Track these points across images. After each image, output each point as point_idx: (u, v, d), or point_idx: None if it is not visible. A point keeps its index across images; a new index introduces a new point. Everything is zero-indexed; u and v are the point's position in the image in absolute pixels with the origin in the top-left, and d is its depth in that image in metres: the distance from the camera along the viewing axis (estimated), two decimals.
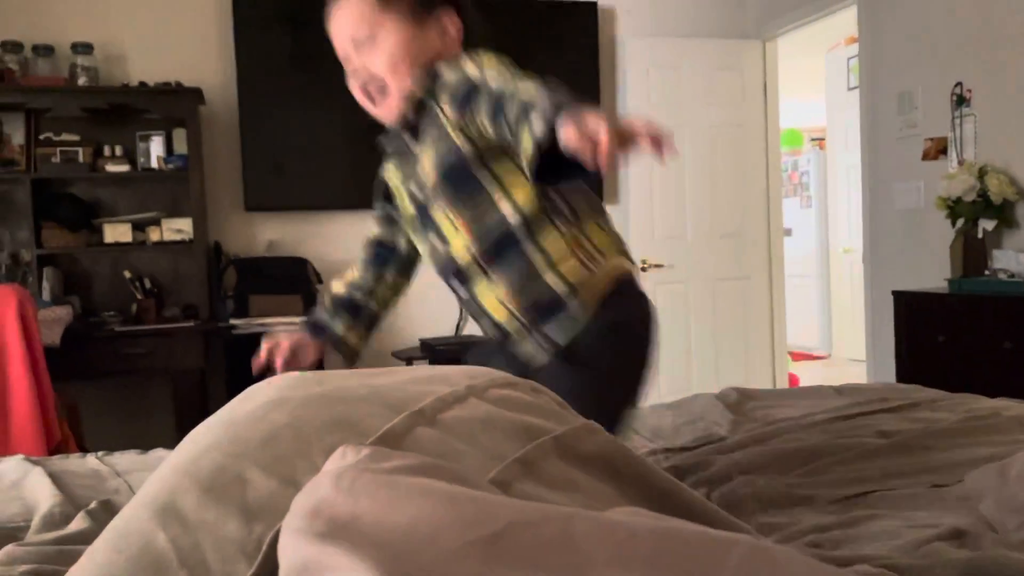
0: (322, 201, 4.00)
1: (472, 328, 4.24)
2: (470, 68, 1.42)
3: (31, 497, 1.26)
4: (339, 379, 0.75)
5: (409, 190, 1.57)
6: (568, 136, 1.17)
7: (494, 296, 1.48)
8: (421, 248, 1.60)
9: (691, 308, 4.45)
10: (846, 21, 4.18)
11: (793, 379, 4.97)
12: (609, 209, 5.09)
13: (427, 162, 1.50)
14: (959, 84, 3.38)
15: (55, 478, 1.35)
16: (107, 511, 1.17)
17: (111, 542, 0.59)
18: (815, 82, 6.50)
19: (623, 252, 1.54)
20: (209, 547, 0.55)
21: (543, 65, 4.65)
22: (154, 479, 0.64)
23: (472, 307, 1.54)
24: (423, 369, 0.81)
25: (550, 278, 1.43)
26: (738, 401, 1.81)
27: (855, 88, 4.91)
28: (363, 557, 0.45)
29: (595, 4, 4.35)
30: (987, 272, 3.12)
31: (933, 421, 1.43)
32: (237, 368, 3.54)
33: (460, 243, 1.48)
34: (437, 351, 3.92)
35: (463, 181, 1.46)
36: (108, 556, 0.57)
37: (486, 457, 0.66)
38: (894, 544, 0.86)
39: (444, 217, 1.49)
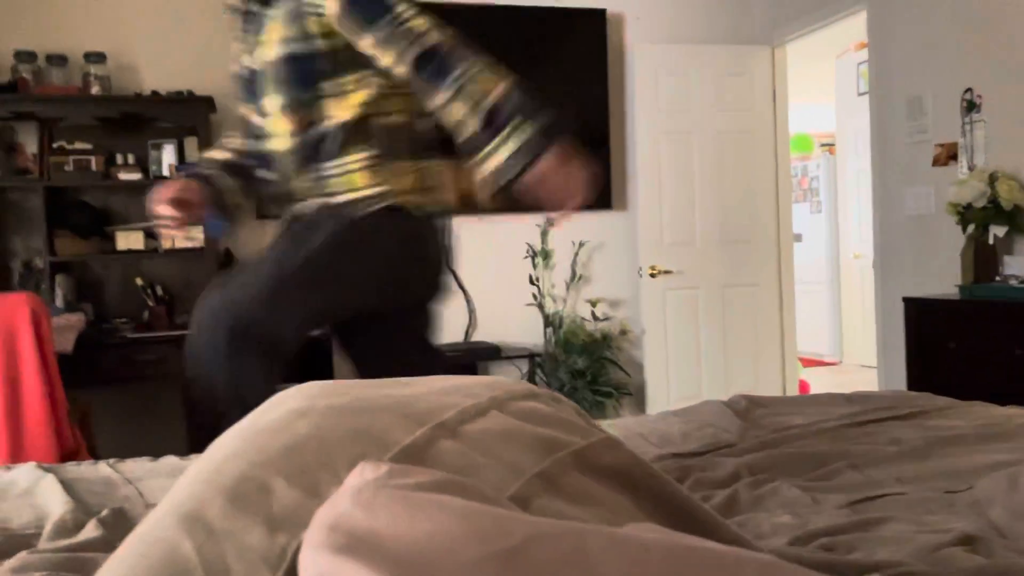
0: None
1: (481, 335, 4.26)
2: None
3: (43, 504, 1.28)
4: (362, 388, 0.76)
5: (244, 60, 1.58)
6: (544, 177, 1.28)
7: (303, 186, 1.58)
8: (247, 116, 1.63)
9: (700, 314, 4.45)
10: (855, 26, 4.17)
11: (803, 385, 4.95)
12: (618, 215, 5.08)
13: (273, 37, 1.50)
14: (969, 90, 3.37)
15: (67, 485, 1.36)
16: (119, 519, 1.18)
17: (135, 549, 0.60)
18: (825, 87, 6.49)
19: (429, 195, 1.60)
20: (233, 556, 0.56)
21: (551, 72, 4.65)
22: (179, 487, 0.65)
23: (279, 191, 1.63)
24: (444, 379, 0.82)
25: (342, 185, 1.52)
26: (747, 408, 1.80)
27: (865, 93, 4.90)
28: (380, 570, 0.46)
29: (603, 11, 4.36)
30: (998, 278, 3.11)
31: (944, 429, 1.43)
32: None
33: (283, 130, 1.53)
34: (447, 356, 3.92)
35: (305, 74, 1.49)
36: (132, 562, 0.58)
37: (507, 471, 0.67)
38: (907, 549, 0.86)
39: (273, 99, 1.52)
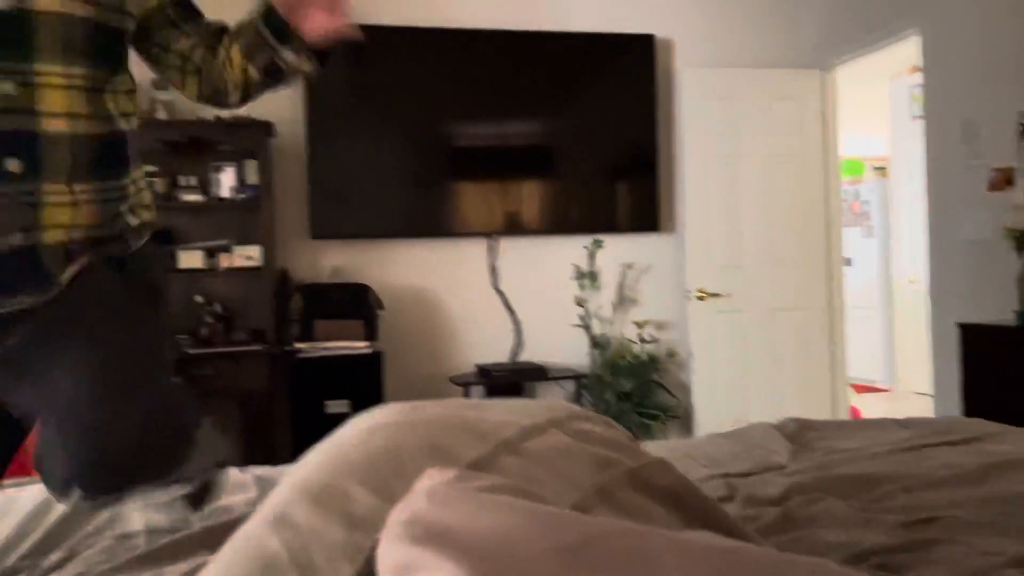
0: (384, 229, 4.12)
1: (527, 355, 4.30)
2: None
3: (124, 512, 1.35)
4: (432, 409, 0.81)
5: None
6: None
7: (67, 202, 1.13)
8: None
9: (749, 338, 4.42)
10: (908, 50, 4.14)
11: (855, 412, 4.87)
12: (665, 238, 5.11)
13: None
14: None
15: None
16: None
17: (232, 546, 0.66)
18: (878, 111, 6.42)
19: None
20: (316, 550, 0.62)
21: (601, 96, 4.70)
22: (272, 495, 0.72)
23: (14, 201, 1.10)
24: (507, 401, 0.88)
25: (126, 208, 1.23)
26: (797, 431, 1.80)
27: (918, 117, 4.84)
28: (454, 559, 0.50)
29: (652, 36, 4.40)
30: None
31: (999, 454, 1.42)
32: (301, 390, 3.64)
33: (61, 109, 1.13)
34: (493, 376, 3.97)
35: (110, 50, 1.20)
36: (229, 556, 0.64)
37: (566, 485, 0.71)
38: (960, 570, 0.87)
39: (57, 66, 1.13)
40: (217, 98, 1.38)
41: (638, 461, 0.79)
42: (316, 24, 1.24)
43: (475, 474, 0.66)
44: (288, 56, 1.29)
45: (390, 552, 0.55)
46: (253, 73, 1.32)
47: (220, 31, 1.35)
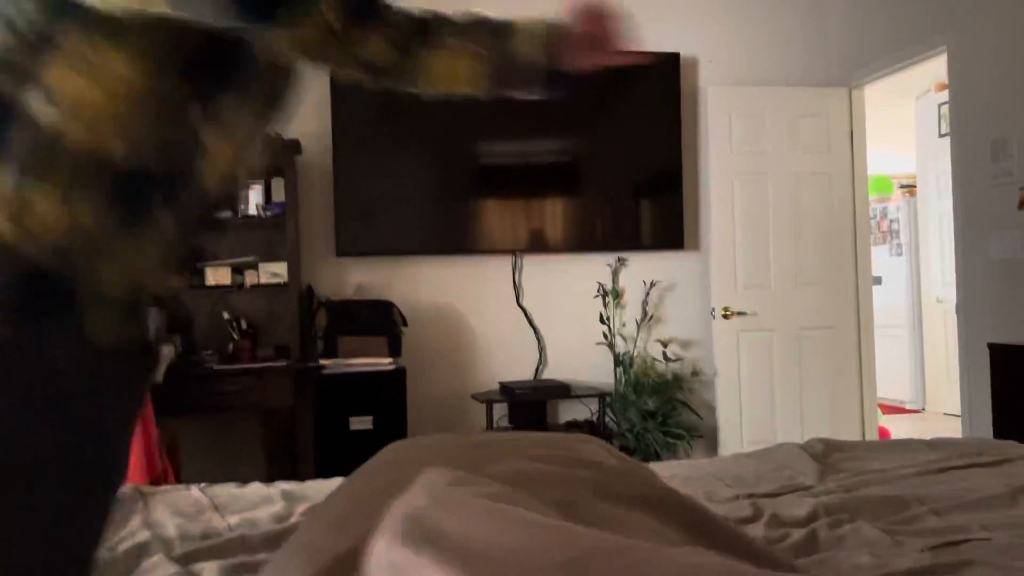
0: (408, 246, 4.15)
1: (551, 373, 4.28)
2: None
3: (156, 522, 1.36)
4: (436, 446, 0.84)
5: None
6: None
7: None
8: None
9: (775, 357, 4.37)
10: (936, 67, 4.11)
11: (883, 433, 4.79)
12: (690, 255, 5.07)
13: None
14: None
15: (170, 508, 1.45)
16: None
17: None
18: (905, 128, 6.37)
19: None
20: None
21: (626, 114, 4.71)
22: (300, 530, 0.74)
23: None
24: (516, 435, 0.91)
25: None
26: (824, 452, 1.78)
27: (946, 135, 4.80)
28: (450, 565, 0.50)
29: (677, 55, 4.41)
30: None
31: None
32: (325, 406, 3.66)
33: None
34: (516, 394, 3.96)
35: None
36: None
37: (531, 500, 0.73)
38: None
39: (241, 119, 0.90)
40: (381, 81, 1.01)
41: (600, 473, 0.81)
42: (581, 62, 1.06)
43: (473, 477, 0.67)
44: (529, 87, 1.06)
45: (383, 550, 0.55)
46: (466, 88, 1.05)
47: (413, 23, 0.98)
